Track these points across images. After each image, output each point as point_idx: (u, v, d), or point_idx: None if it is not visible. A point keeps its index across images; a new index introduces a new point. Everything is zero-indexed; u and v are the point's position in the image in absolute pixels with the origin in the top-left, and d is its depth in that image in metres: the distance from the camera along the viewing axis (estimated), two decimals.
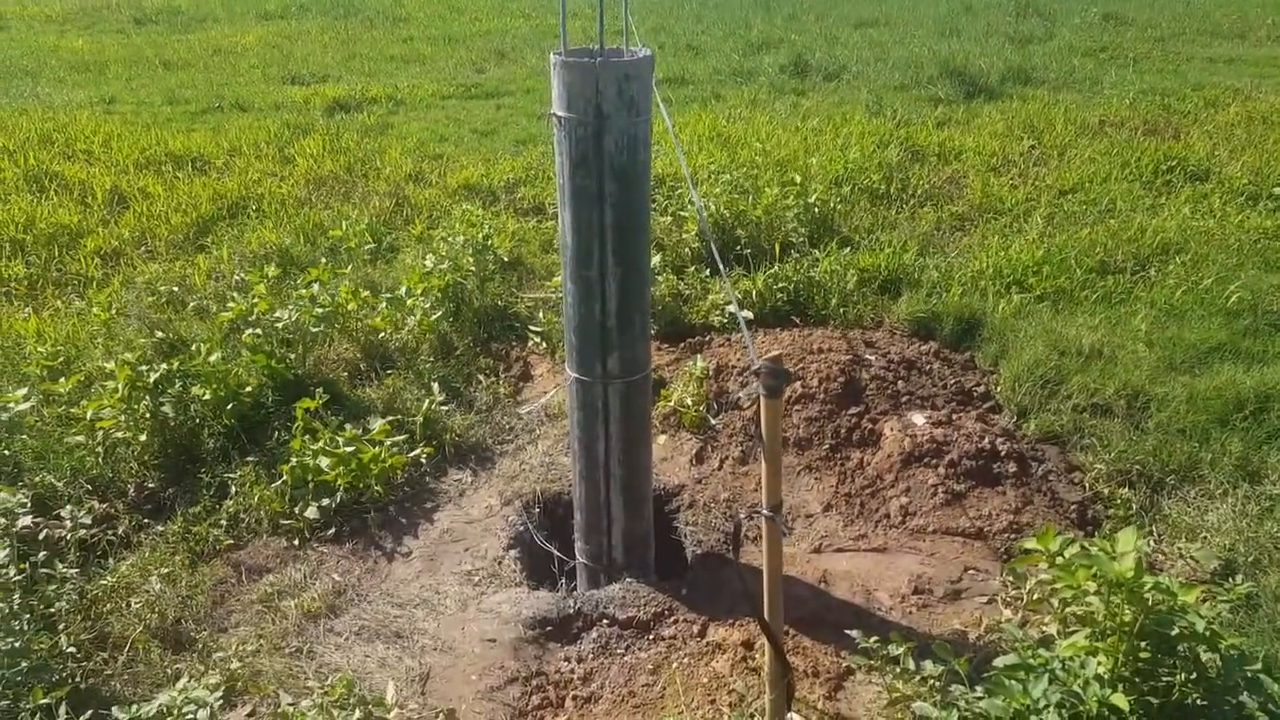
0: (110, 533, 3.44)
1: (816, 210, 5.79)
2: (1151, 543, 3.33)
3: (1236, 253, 5.45)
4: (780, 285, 4.98)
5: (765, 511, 1.84)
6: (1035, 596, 2.78)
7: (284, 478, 3.58)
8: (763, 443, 1.82)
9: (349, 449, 3.62)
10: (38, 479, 3.59)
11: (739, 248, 5.43)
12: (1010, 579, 3.00)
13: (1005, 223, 6.16)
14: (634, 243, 2.80)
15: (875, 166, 6.89)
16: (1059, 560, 2.12)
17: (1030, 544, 2.30)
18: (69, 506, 3.34)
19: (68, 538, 3.25)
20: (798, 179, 6.12)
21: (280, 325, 4.14)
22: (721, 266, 2.84)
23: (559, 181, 2.77)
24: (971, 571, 3.18)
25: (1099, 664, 1.96)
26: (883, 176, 6.67)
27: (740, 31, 14.21)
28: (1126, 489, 3.58)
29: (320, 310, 4.22)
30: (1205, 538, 3.21)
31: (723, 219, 5.59)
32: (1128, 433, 3.88)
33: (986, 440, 3.66)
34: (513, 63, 12.66)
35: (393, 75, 11.81)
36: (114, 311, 4.79)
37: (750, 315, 4.80)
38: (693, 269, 5.22)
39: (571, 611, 3.10)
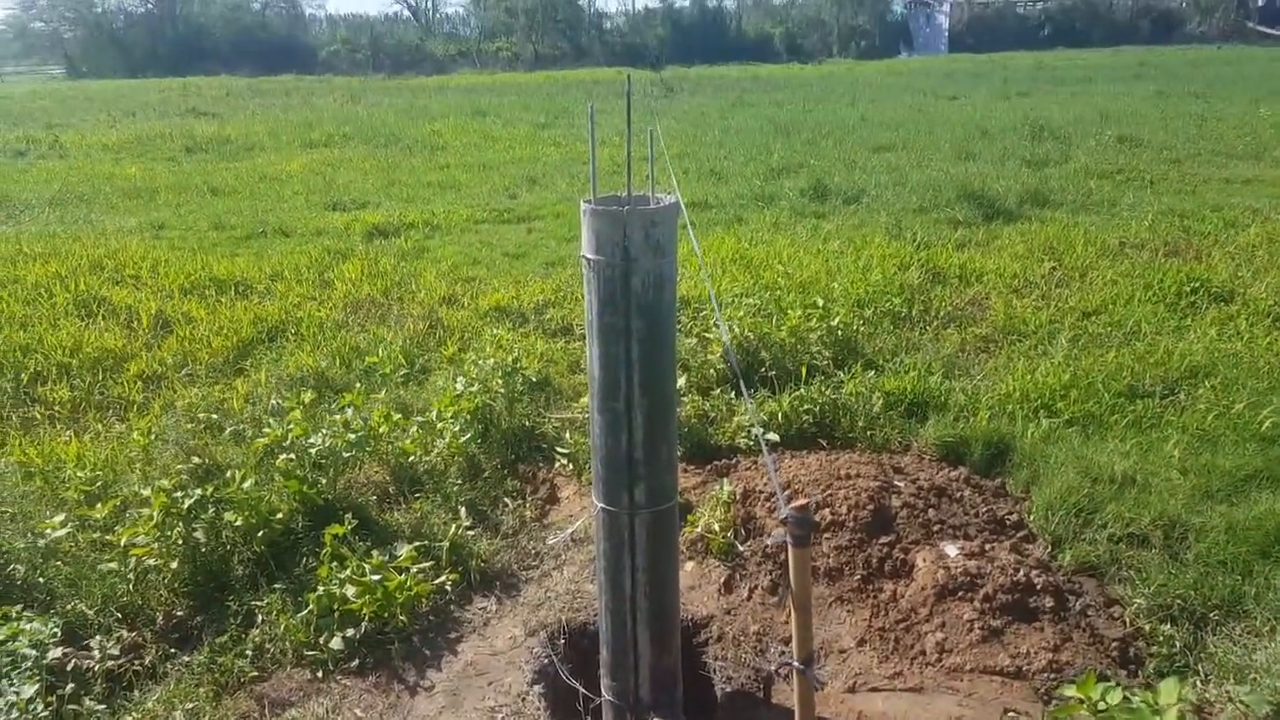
0: (137, 663, 3.43)
1: (840, 333, 5.86)
2: (1197, 684, 3.22)
3: (1267, 376, 5.41)
4: (805, 408, 5.00)
5: (796, 664, 1.82)
6: None
7: (310, 606, 3.58)
8: (791, 592, 1.81)
9: (375, 577, 3.62)
10: (69, 606, 3.61)
11: (764, 370, 5.48)
12: None
13: (1030, 345, 6.18)
14: (660, 376, 2.86)
15: (897, 289, 7.00)
16: (1100, 711, 2.06)
17: (1071, 691, 2.24)
18: (98, 637, 3.35)
19: (95, 669, 3.25)
20: (820, 301, 6.22)
21: (314, 451, 4.21)
22: (745, 391, 2.89)
23: (588, 318, 2.85)
24: (1011, 714, 3.08)
25: None
26: (904, 299, 6.76)
27: (761, 157, 14.69)
28: (1168, 625, 3.47)
29: (353, 435, 4.30)
30: (1254, 679, 3.09)
31: (747, 341, 5.67)
32: (1166, 565, 3.79)
33: (1021, 573, 3.59)
34: (543, 188, 13.13)
35: (430, 201, 12.27)
36: (153, 437, 4.89)
37: (776, 438, 4.81)
38: (718, 390, 5.27)
39: None
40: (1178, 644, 3.37)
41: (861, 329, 6.16)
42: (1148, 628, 3.48)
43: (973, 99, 24.81)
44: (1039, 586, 3.56)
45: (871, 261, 7.80)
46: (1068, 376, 5.41)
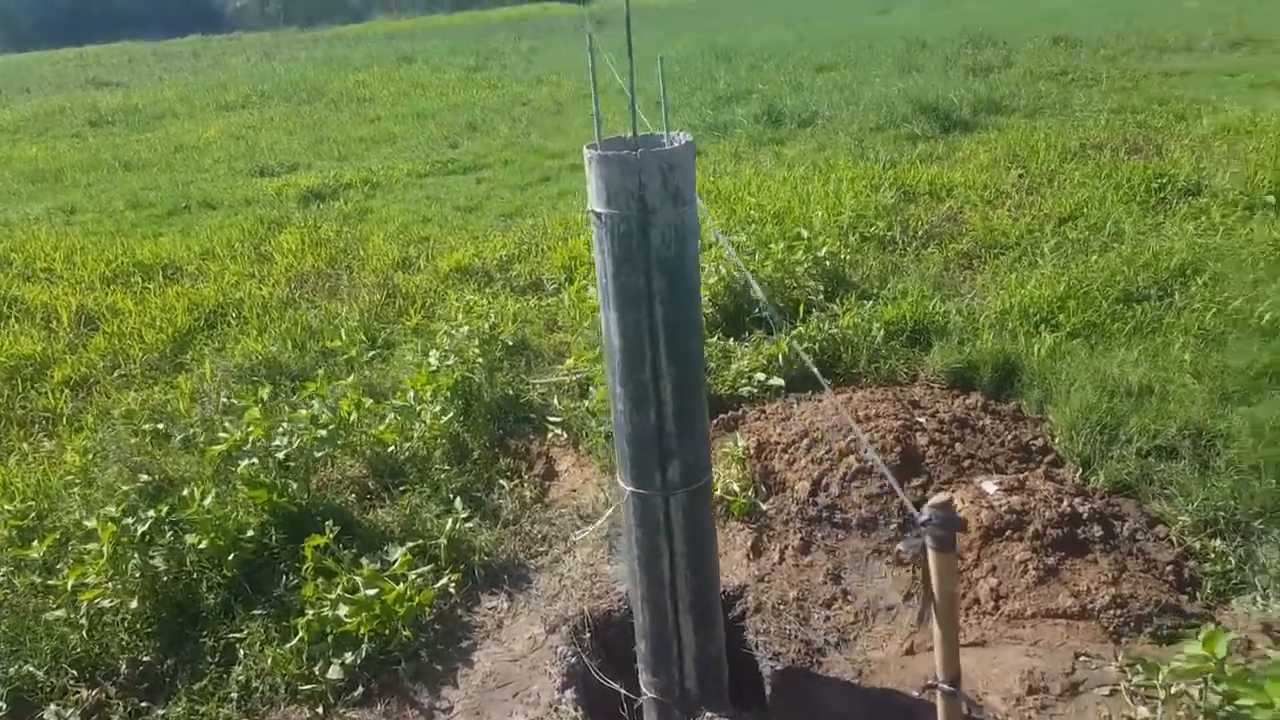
0: None
1: (828, 263, 5.56)
2: (1258, 600, 3.05)
3: (1252, 267, 5.28)
4: (805, 346, 4.71)
5: (943, 685, 1.53)
6: (1173, 690, 2.49)
7: (300, 633, 3.18)
8: (934, 603, 1.52)
9: (370, 591, 3.24)
10: (13, 670, 3.14)
11: (757, 310, 5.16)
12: (1137, 667, 2.70)
13: (1014, 256, 5.96)
14: (688, 340, 2.52)
15: (875, 212, 6.70)
16: (1238, 674, 1.83)
17: (1193, 649, 2.01)
18: (53, 705, 2.92)
19: None
20: (804, 233, 5.90)
21: (281, 453, 3.77)
22: (777, 323, 2.56)
23: (601, 281, 2.48)
24: (1083, 659, 2.86)
25: None
26: (887, 222, 6.47)
27: (707, 85, 14.20)
28: (1218, 540, 3.30)
29: (323, 431, 3.87)
30: None
31: (733, 280, 5.33)
32: (1201, 475, 3.62)
33: (1065, 503, 3.37)
34: (485, 134, 12.53)
35: (364, 157, 11.59)
36: (90, 455, 4.35)
37: (781, 382, 4.52)
38: (713, 337, 4.92)
39: None
40: (1231, 560, 3.20)
41: (848, 257, 5.85)
42: (1198, 545, 3.30)
43: (905, 11, 24.44)
44: (1085, 516, 3.35)
45: (841, 185, 7.47)
46: (1063, 287, 5.20)
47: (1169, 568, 3.23)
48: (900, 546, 1.40)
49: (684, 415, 2.58)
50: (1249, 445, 3.70)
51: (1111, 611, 3.02)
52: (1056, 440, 4.00)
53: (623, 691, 3.02)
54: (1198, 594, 3.15)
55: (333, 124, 14.37)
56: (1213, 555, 3.27)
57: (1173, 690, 2.49)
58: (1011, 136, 8.80)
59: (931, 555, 1.50)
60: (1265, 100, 9.50)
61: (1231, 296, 4.92)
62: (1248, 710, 1.77)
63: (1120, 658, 2.82)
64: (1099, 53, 13.87)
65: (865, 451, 1.41)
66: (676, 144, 2.40)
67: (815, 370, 2.19)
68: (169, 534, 3.43)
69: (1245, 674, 1.90)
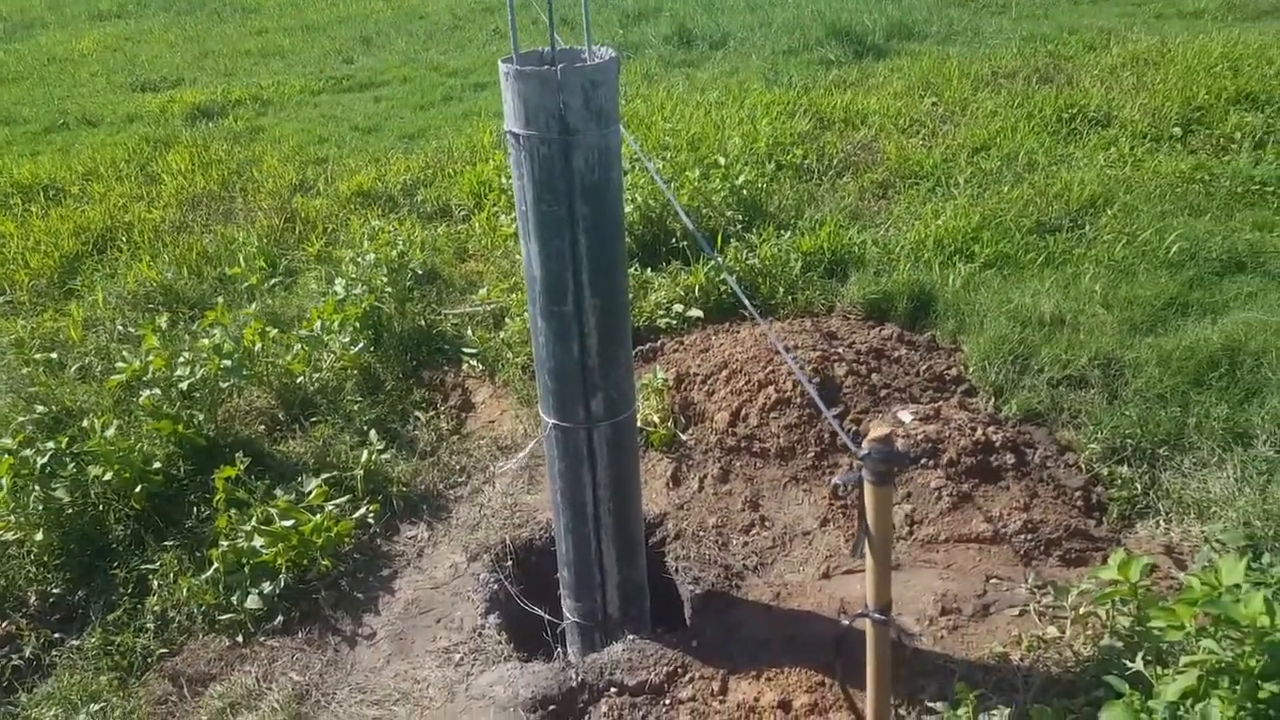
0: (16, 656, 2.90)
1: (744, 192, 5.51)
2: (1160, 524, 3.21)
3: (1159, 200, 5.42)
4: (723, 277, 4.70)
5: (874, 614, 1.55)
6: (1082, 611, 2.62)
7: (215, 564, 3.11)
8: (869, 535, 1.53)
9: (287, 523, 3.16)
10: None
11: (673, 240, 5.11)
12: (1047, 589, 2.82)
13: (929, 186, 6.02)
14: (612, 270, 2.46)
15: (791, 139, 6.66)
16: (1149, 598, 1.92)
17: (1107, 572, 2.10)
18: None
19: None
20: (721, 160, 5.83)
21: (185, 384, 3.60)
22: (709, 252, 2.53)
23: (520, 208, 2.40)
24: (994, 581, 2.99)
25: (1219, 711, 1.76)
26: (804, 150, 6.44)
27: (614, 1, 13.77)
28: (1124, 466, 3.44)
29: (228, 361, 3.70)
30: (1215, 513, 3.11)
31: (649, 209, 5.26)
32: (1108, 404, 3.76)
33: (979, 432, 3.47)
34: (381, 49, 11.93)
35: (253, 73, 10.93)
36: None
37: (700, 313, 4.51)
38: (630, 269, 4.87)
39: (575, 684, 2.78)
40: (1137, 486, 3.34)
41: (764, 186, 5.82)
42: (1105, 471, 3.44)
43: None
44: (997, 443, 3.46)
45: (756, 111, 7.39)
46: (977, 218, 5.27)
47: (1078, 493, 3.35)
48: (837, 479, 1.41)
49: (608, 348, 2.54)
50: (1156, 375, 3.83)
51: (1023, 536, 3.14)
52: (970, 370, 4.10)
53: (546, 616, 3.03)
54: (1104, 519, 3.28)
55: (216, 35, 13.49)
56: (1119, 481, 3.39)
57: (1081, 611, 2.61)
58: (925, 64, 8.79)
59: (868, 489, 1.50)
60: (1171, 30, 9.72)
61: (1140, 228, 5.05)
62: (1159, 631, 1.86)
63: (1030, 580, 2.94)
64: None
65: (799, 377, 1.42)
66: (600, 59, 2.29)
67: (746, 301, 2.17)
68: (71, 466, 3.30)
69: (1156, 597, 1.99)
